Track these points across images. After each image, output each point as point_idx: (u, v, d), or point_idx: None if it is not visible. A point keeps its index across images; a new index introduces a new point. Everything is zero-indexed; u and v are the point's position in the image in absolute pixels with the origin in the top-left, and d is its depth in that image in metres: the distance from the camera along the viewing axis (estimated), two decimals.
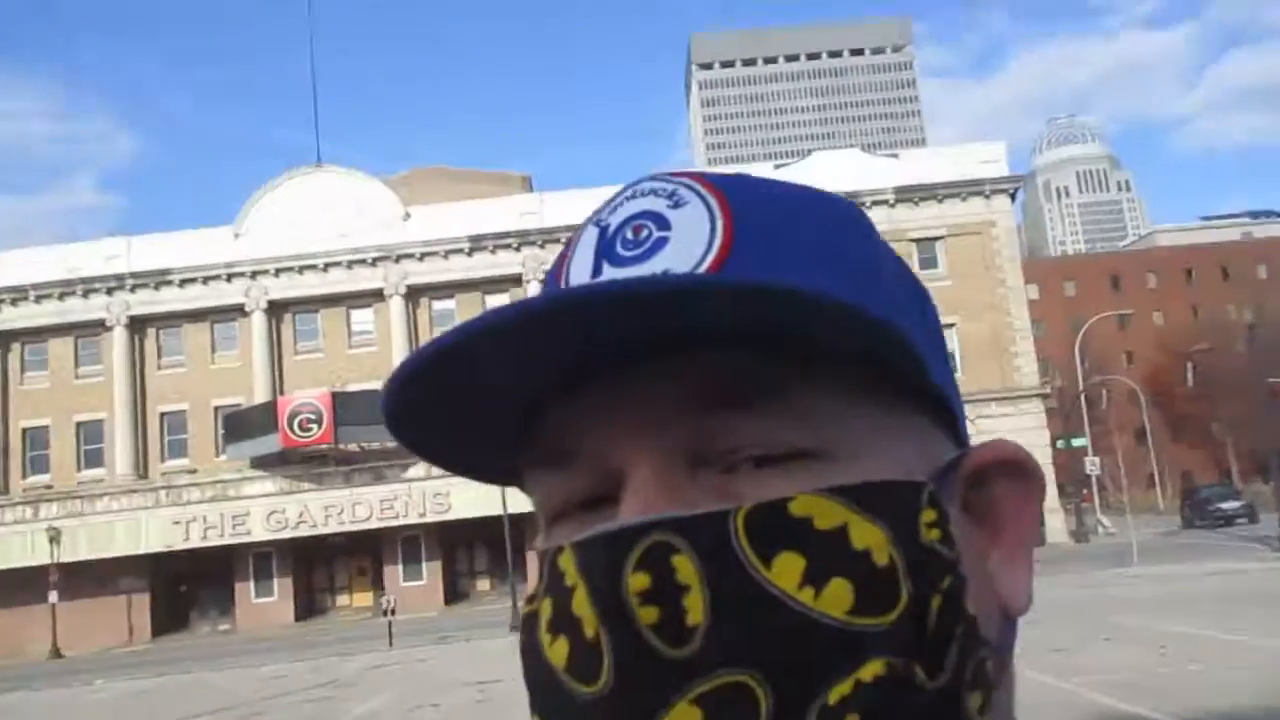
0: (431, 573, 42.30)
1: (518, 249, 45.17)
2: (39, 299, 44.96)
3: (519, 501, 35.09)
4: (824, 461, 0.45)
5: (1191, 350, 52.17)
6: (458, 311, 45.38)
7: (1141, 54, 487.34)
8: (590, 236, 0.51)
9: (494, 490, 33.13)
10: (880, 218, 44.18)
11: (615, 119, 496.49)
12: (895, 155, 47.63)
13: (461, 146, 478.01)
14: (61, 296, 44.92)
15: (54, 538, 39.16)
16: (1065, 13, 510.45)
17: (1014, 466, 0.51)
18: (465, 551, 43.60)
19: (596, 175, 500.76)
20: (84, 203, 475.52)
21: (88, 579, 40.43)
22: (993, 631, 0.48)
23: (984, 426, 41.01)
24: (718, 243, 0.48)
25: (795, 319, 0.42)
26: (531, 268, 44.89)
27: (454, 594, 42.98)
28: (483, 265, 45.16)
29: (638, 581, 0.42)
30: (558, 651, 0.45)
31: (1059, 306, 78.77)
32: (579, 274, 0.50)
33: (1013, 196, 45.76)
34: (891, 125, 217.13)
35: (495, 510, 33.47)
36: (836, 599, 0.42)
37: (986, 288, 43.58)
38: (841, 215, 0.53)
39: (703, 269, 0.47)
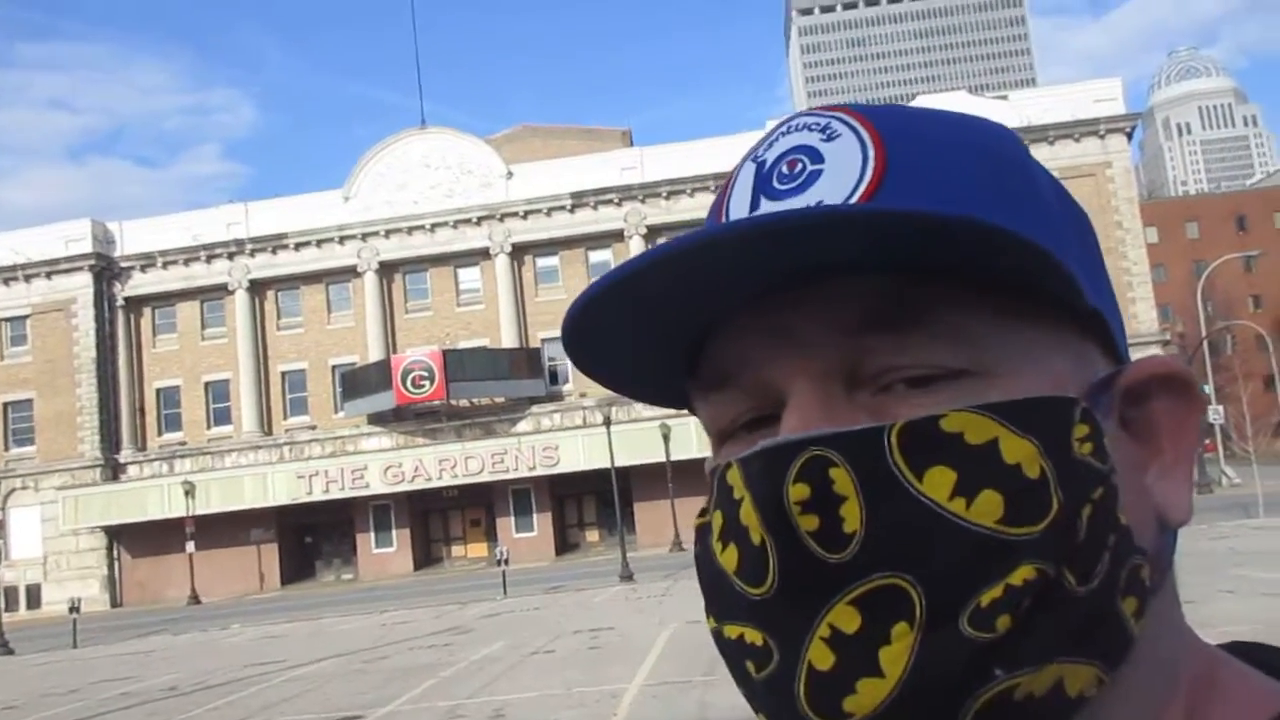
0: (542, 524, 43.27)
1: (619, 204, 45.34)
2: (166, 265, 47.10)
3: (626, 455, 35.68)
4: (976, 379, 0.47)
5: None
6: (561, 268, 45.89)
7: None
8: (748, 172, 0.53)
9: (602, 443, 33.68)
10: None
11: (714, 69, 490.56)
12: (1004, 97, 46.10)
13: (561, 103, 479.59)
14: (186, 262, 46.96)
15: (189, 491, 41.36)
16: None
17: (1172, 381, 0.52)
18: (574, 504, 44.45)
19: (696, 128, 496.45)
20: (210, 171, 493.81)
21: (220, 530, 42.64)
22: (1148, 541, 0.49)
23: None
24: (870, 173, 0.49)
25: (944, 245, 0.45)
26: (634, 222, 45.04)
27: (564, 545, 43.93)
28: (585, 221, 45.49)
29: (798, 491, 0.45)
30: (728, 558, 0.48)
31: (1180, 249, 75.52)
32: (738, 208, 0.52)
33: (1130, 135, 43.91)
34: (1000, 65, 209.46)
35: (603, 463, 34.00)
36: (987, 509, 0.44)
37: (1102, 231, 41.82)
38: (995, 140, 0.54)
39: (855, 198, 0.49)
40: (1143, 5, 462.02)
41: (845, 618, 0.44)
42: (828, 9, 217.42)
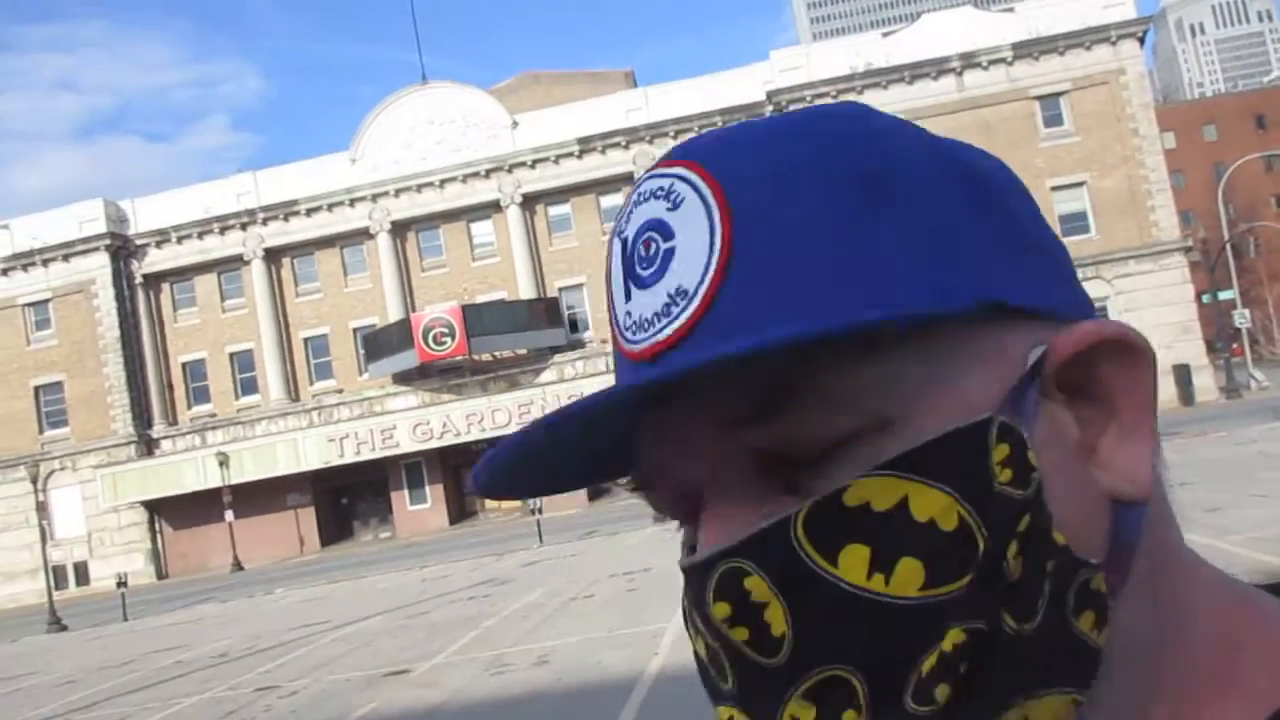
0: None
1: (627, 147, 45.00)
2: (180, 239, 47.24)
3: None
4: (881, 432, 0.45)
5: None
6: (573, 215, 45.72)
7: None
8: (617, 252, 0.52)
9: None
10: (998, 78, 42.22)
11: (716, 4, 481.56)
12: (1010, 9, 45.09)
13: (560, 48, 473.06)
14: (200, 235, 47.08)
15: (223, 461, 41.94)
16: None
17: (1114, 344, 0.48)
18: None
19: (700, 64, 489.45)
20: (220, 143, 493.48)
21: (257, 497, 43.29)
22: (1097, 541, 0.46)
23: (1122, 286, 39.51)
24: (718, 247, 0.47)
25: (798, 355, 0.44)
26: (642, 164, 44.68)
27: (597, 490, 44.23)
28: (594, 166, 45.21)
29: (720, 610, 0.45)
30: (700, 649, 0.50)
31: (1199, 153, 74.32)
32: (618, 296, 0.51)
33: (1141, 40, 42.96)
34: None
35: None
36: (907, 578, 0.42)
37: (1118, 140, 41.43)
38: (851, 151, 0.49)
39: (708, 281, 0.47)
40: None
41: (801, 710, 0.44)
42: None
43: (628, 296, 0.50)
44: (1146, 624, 0.47)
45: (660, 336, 0.48)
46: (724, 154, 0.49)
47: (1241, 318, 35.54)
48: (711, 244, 0.47)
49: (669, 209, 0.49)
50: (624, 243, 0.51)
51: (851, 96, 42.71)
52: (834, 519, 0.43)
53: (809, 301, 0.44)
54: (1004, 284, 0.47)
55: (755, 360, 0.42)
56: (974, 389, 0.46)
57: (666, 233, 0.49)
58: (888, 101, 41.98)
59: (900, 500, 0.43)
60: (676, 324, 0.47)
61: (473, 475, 0.50)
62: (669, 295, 0.48)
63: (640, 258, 0.50)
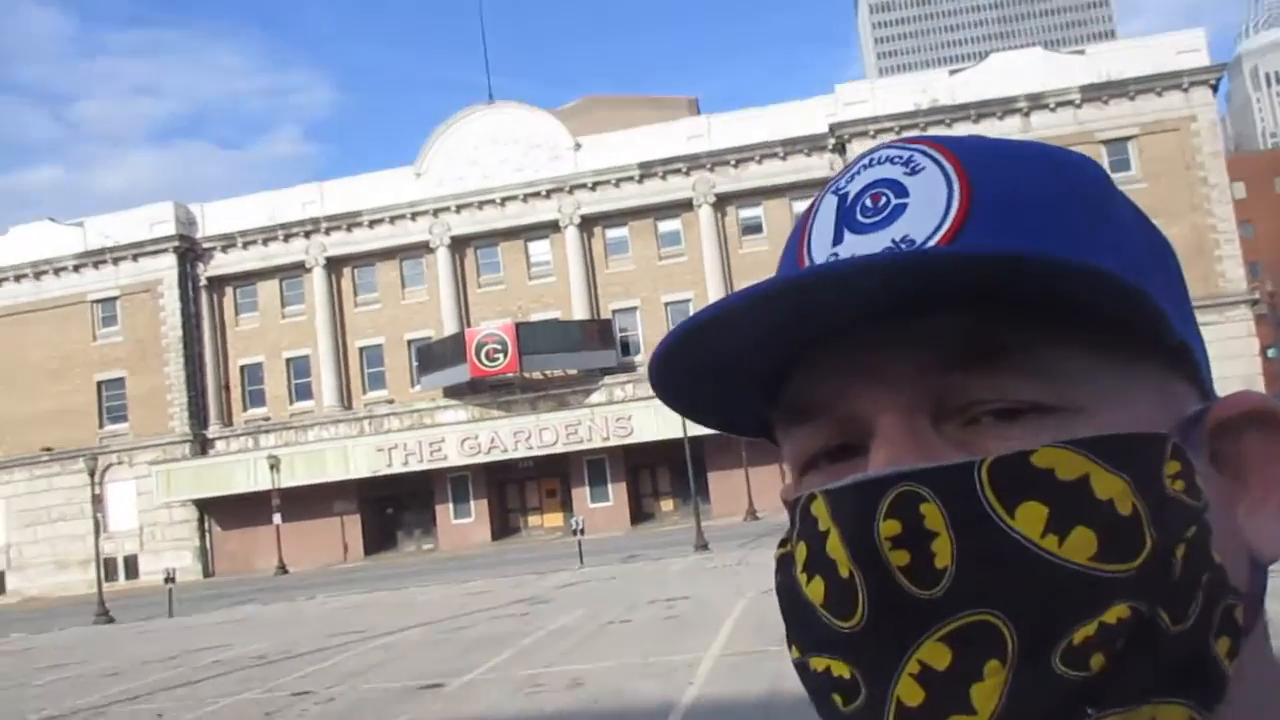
0: (617, 494, 43.67)
1: (687, 173, 45.18)
2: (246, 245, 48.28)
3: (697, 425, 35.61)
4: (1065, 416, 0.47)
5: None
6: (630, 239, 45.94)
7: None
8: (830, 205, 0.54)
9: (675, 415, 33.64)
10: (1066, 120, 41.81)
11: (782, 33, 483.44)
12: (1081, 51, 44.71)
13: (627, 73, 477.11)
14: (265, 242, 48.08)
15: (274, 465, 42.58)
16: None
17: (1263, 416, 0.51)
18: (648, 473, 44.75)
19: (764, 94, 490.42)
20: (291, 152, 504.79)
21: (305, 502, 43.88)
22: (1242, 580, 0.48)
23: None
24: (955, 207, 0.50)
25: (1031, 282, 0.45)
26: (702, 191, 44.84)
27: (639, 515, 44.29)
28: (653, 191, 45.45)
29: (889, 527, 0.45)
30: (815, 590, 0.48)
31: (1270, 204, 72.73)
32: (820, 242, 0.53)
33: (1214, 88, 42.31)
34: (1077, 19, 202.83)
35: (676, 433, 34.16)
36: (1080, 546, 0.44)
37: (1186, 188, 40.76)
38: (1076, 173, 0.53)
39: (941, 233, 0.49)
40: None
41: (936, 654, 0.44)
42: None
43: (837, 240, 0.52)
44: (1259, 679, 0.49)
45: None
46: (969, 146, 0.53)
47: None
48: (948, 207, 0.50)
49: (906, 173, 0.52)
50: (842, 197, 0.53)
51: (915, 133, 42.20)
52: (1019, 474, 0.45)
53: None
54: (1188, 337, 0.51)
55: (1012, 276, 0.44)
56: (1151, 410, 0.49)
57: (899, 190, 0.52)
58: None
59: (1083, 475, 0.45)
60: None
61: (650, 361, 0.52)
62: (892, 241, 0.50)
63: (864, 208, 0.52)
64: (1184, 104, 41.71)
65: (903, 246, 0.49)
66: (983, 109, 42.39)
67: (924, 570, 0.44)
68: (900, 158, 0.53)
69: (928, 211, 0.50)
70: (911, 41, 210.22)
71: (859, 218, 0.52)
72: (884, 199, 0.52)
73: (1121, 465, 0.45)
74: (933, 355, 0.48)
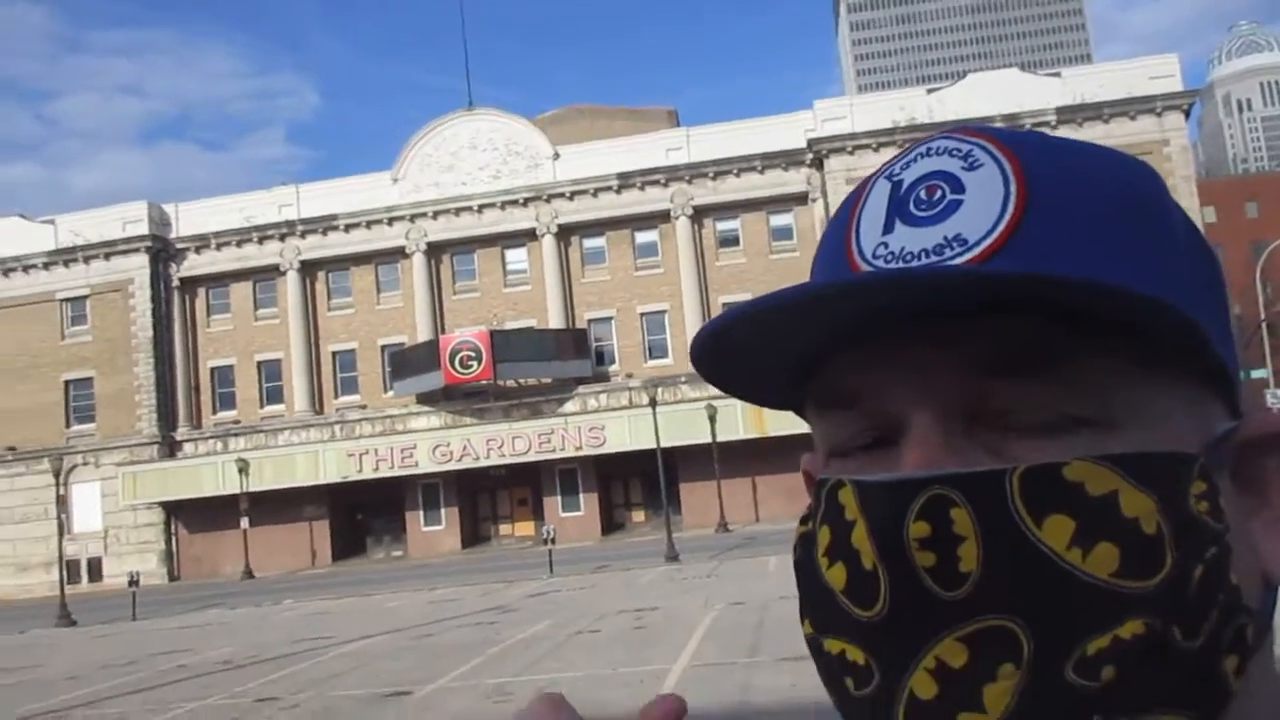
0: (588, 504, 43.57)
1: (665, 185, 45.28)
2: (220, 246, 47.90)
3: (672, 435, 35.81)
4: (1098, 430, 0.48)
5: None
6: (607, 249, 45.96)
7: None
8: (882, 191, 0.54)
9: (648, 424, 33.82)
10: None
11: (763, 49, 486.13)
12: (1057, 74, 45.21)
13: (608, 82, 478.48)
14: (239, 244, 47.72)
15: (243, 469, 42.20)
16: None
17: None
18: (620, 484, 44.68)
19: (745, 108, 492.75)
20: (275, 155, 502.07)
21: (274, 507, 43.49)
22: (1254, 599, 0.49)
23: None
24: (1010, 210, 0.50)
25: (1076, 299, 0.45)
26: (679, 203, 44.94)
27: (610, 525, 44.20)
28: (631, 202, 45.50)
29: (918, 529, 0.45)
30: (835, 575, 0.49)
31: (1239, 229, 73.71)
32: (870, 227, 0.53)
33: (1187, 113, 42.94)
34: (1054, 42, 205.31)
35: (649, 444, 34.12)
36: (1103, 561, 0.45)
37: None
38: (1134, 184, 0.53)
39: (994, 235, 0.49)
40: None
41: (953, 653, 0.46)
42: None
43: (888, 229, 0.52)
44: (1263, 694, 0.50)
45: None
46: (1029, 145, 0.53)
47: (1274, 397, 35.08)
48: (1004, 209, 0.50)
49: (964, 168, 0.52)
50: (895, 184, 0.53)
51: (892, 150, 42.82)
52: (1050, 486, 0.45)
53: (1093, 274, 0.45)
54: (1226, 357, 0.52)
55: (1046, 294, 0.45)
56: (1184, 428, 0.49)
57: (956, 186, 0.51)
58: None
59: (1112, 491, 0.46)
60: (952, 263, 0.49)
61: (694, 338, 0.53)
62: (945, 239, 0.50)
63: (919, 200, 0.52)
64: (1157, 128, 42.28)
65: (954, 246, 0.50)
66: (959, 127, 42.72)
67: (949, 572, 0.45)
68: (960, 150, 0.53)
69: (983, 212, 0.50)
70: (890, 60, 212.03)
71: (912, 209, 0.52)
72: (939, 192, 0.51)
73: (1150, 483, 0.46)
74: (973, 359, 0.49)
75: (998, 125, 0.54)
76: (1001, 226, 0.49)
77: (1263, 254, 45.45)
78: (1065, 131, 42.14)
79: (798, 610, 0.55)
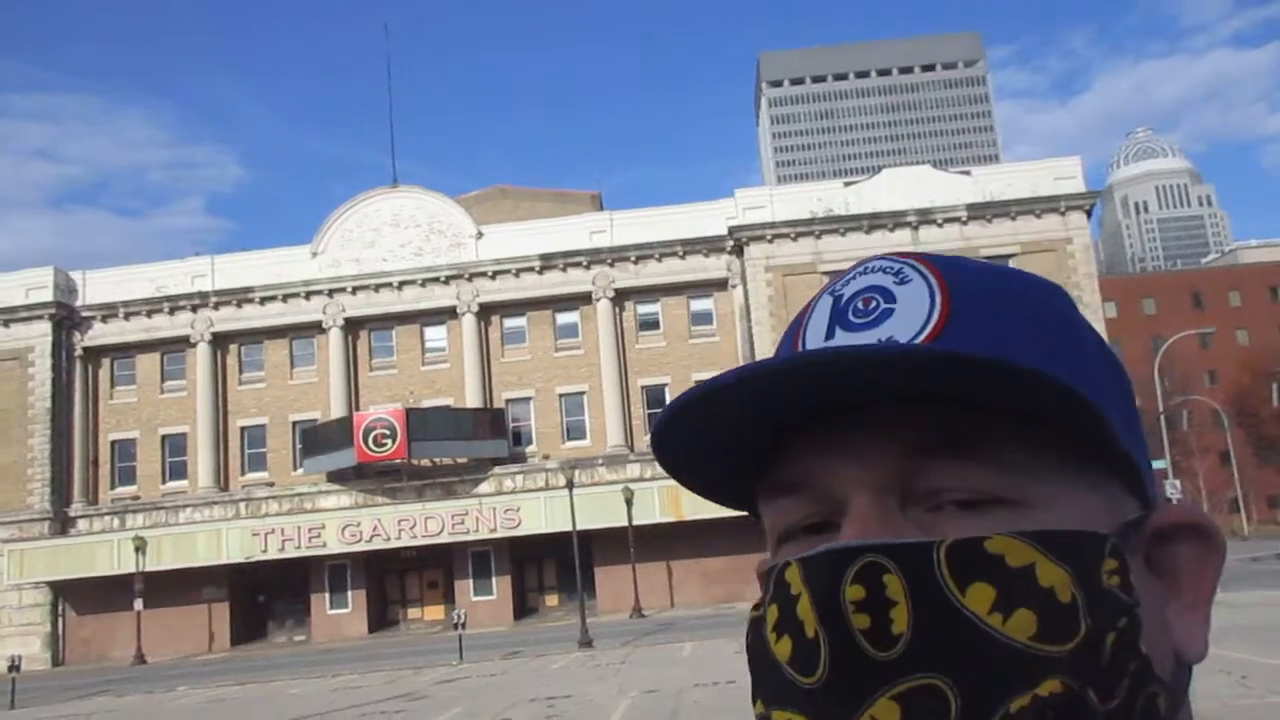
0: (501, 588, 42.67)
1: (588, 267, 45.55)
2: (128, 316, 46.53)
3: (588, 518, 35.41)
4: (1018, 509, 0.54)
5: (1277, 370, 50.53)
6: (528, 329, 45.86)
7: (1228, 73, 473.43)
8: (825, 304, 0.62)
9: (564, 506, 33.42)
10: (952, 235, 43.67)
11: (687, 137, 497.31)
12: (968, 172, 46.99)
13: (534, 163, 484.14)
14: (149, 314, 46.43)
15: (140, 547, 40.39)
16: (1151, 33, 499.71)
17: (1197, 529, 0.59)
18: (534, 567, 43.89)
19: (668, 193, 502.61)
20: (193, 225, 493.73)
21: (171, 587, 41.59)
22: (1166, 672, 0.55)
23: None
24: (936, 315, 0.57)
25: (1000, 386, 0.52)
26: (601, 285, 45.20)
27: (523, 609, 43.28)
28: (554, 283, 45.61)
29: (854, 592, 0.51)
30: (782, 648, 0.54)
31: (1138, 325, 76.90)
32: (815, 336, 0.61)
33: (1089, 213, 44.88)
34: (964, 141, 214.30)
35: (565, 526, 33.67)
36: (1022, 625, 0.50)
37: None
38: (1045, 296, 0.62)
39: (922, 337, 0.57)
40: (1106, 92, 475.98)
41: (887, 711, 0.50)
42: (797, 81, 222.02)
43: (829, 335, 0.60)
44: None
45: None
46: (952, 266, 0.62)
47: (1173, 488, 36.22)
48: (929, 316, 0.58)
49: (895, 282, 0.61)
50: (837, 298, 0.62)
51: (810, 240, 43.86)
52: (973, 557, 0.52)
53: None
54: (1134, 451, 0.59)
55: (964, 375, 0.52)
56: (1095, 510, 0.56)
57: (888, 297, 0.60)
58: (844, 248, 43.13)
59: (1030, 564, 0.51)
60: None
61: (659, 419, 0.59)
62: (878, 340, 0.58)
63: (856, 309, 0.60)
64: (1061, 226, 44.05)
65: None
66: (874, 220, 44.01)
67: (882, 634, 0.50)
68: (892, 268, 0.61)
69: (913, 318, 0.58)
70: (809, 153, 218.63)
71: (851, 318, 0.59)
72: (874, 303, 0.59)
73: (1065, 558, 0.52)
74: (906, 443, 0.55)
75: (910, 218, 0.63)
76: (928, 330, 0.57)
77: (1160, 349, 47.34)
78: (974, 227, 43.73)
79: (747, 695, 0.59)
